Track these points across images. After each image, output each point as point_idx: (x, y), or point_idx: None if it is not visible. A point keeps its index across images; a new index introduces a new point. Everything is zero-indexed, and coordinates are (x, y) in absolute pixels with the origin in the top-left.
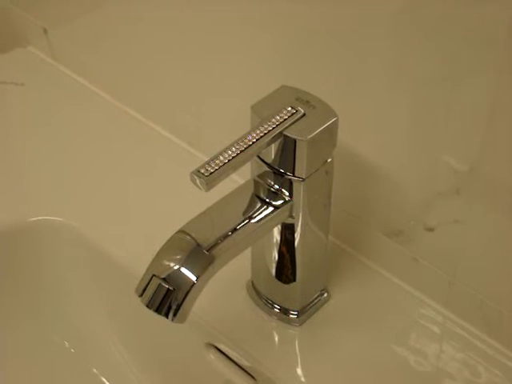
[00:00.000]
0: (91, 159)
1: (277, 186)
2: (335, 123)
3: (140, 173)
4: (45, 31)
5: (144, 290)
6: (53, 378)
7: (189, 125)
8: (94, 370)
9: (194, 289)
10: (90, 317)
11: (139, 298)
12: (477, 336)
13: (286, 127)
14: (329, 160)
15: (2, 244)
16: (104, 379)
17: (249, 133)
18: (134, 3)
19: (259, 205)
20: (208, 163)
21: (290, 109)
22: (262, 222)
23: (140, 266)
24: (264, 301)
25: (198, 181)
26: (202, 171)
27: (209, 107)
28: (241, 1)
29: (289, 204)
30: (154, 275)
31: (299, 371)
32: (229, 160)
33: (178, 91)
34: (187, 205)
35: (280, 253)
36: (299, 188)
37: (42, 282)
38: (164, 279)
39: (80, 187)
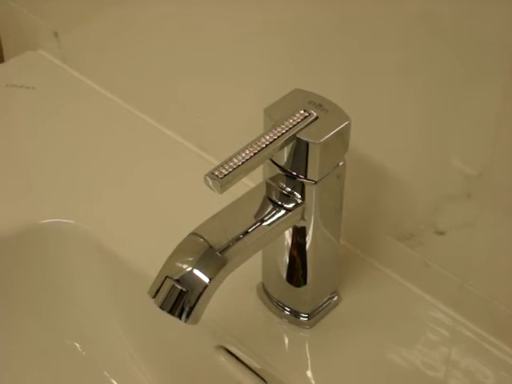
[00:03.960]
0: (102, 162)
1: (289, 189)
2: (348, 126)
3: (151, 176)
4: (55, 34)
5: (157, 292)
6: (64, 380)
7: (201, 128)
8: (105, 373)
9: (206, 290)
10: (101, 319)
11: (152, 300)
12: (486, 339)
13: (299, 130)
14: (341, 163)
15: (13, 246)
16: (115, 382)
17: (262, 136)
18: (145, 7)
19: (271, 207)
20: (222, 166)
21: (302, 112)
22: (273, 224)
23: (152, 268)
24: (275, 303)
25: (211, 183)
26: (216, 173)
27: (221, 110)
28: (254, 5)
29: (301, 207)
30: (167, 277)
31: (309, 374)
32: (242, 163)
33: (190, 94)
34: (199, 207)
35: (291, 256)
36: (311, 191)
37: (52, 284)
38: (177, 281)
39: (90, 190)
